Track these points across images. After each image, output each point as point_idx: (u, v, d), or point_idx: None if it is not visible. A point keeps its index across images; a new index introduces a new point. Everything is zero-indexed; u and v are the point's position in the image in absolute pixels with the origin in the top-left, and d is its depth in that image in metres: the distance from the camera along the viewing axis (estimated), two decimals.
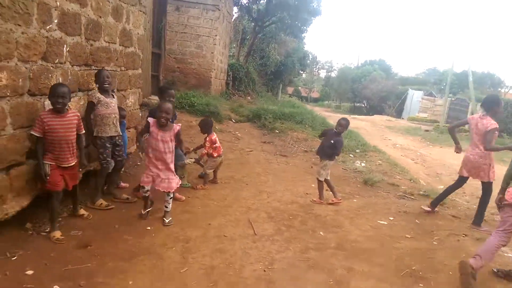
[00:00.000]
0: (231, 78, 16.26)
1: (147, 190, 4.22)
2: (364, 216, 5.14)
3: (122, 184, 5.14)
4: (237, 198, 5.32)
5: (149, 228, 4.05)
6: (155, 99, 9.93)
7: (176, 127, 4.18)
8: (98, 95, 4.30)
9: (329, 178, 5.54)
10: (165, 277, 3.12)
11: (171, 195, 4.25)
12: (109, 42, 4.92)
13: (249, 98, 17.10)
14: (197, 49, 12.63)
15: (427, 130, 18.89)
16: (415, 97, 29.66)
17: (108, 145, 4.41)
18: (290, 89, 57.62)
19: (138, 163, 5.88)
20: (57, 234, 3.54)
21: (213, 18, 12.43)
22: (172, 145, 4.15)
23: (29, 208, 3.64)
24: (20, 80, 3.32)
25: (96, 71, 4.53)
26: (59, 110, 3.51)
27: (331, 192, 5.61)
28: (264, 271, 3.37)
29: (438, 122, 21.38)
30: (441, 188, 6.82)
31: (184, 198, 5.03)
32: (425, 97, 28.87)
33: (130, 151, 5.55)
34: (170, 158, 4.15)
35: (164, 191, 4.18)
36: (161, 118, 4.02)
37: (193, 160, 6.20)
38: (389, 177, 7.59)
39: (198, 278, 3.15)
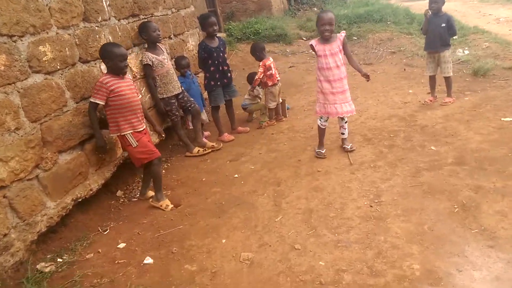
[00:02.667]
0: None
1: (325, 121, 3.91)
2: (483, 115, 4.23)
3: (205, 133, 4.92)
4: None
5: (237, 175, 3.79)
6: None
7: (342, 34, 3.66)
8: (150, 55, 3.97)
9: None
10: (259, 229, 2.83)
11: (346, 119, 3.90)
12: None
13: (315, 9, 15.55)
14: None
15: None
16: None
17: (173, 101, 4.18)
18: None
19: None
20: (165, 203, 3.33)
21: None
22: (342, 56, 3.66)
23: (117, 175, 3.61)
24: (67, 49, 3.08)
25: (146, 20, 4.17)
26: (123, 73, 3.21)
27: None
28: (371, 206, 2.89)
29: None
30: None
31: (248, 129, 4.93)
32: None
33: (205, 97, 5.24)
34: (344, 72, 3.68)
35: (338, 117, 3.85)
36: (325, 31, 3.55)
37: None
38: (503, 60, 6.25)
39: (296, 226, 2.80)
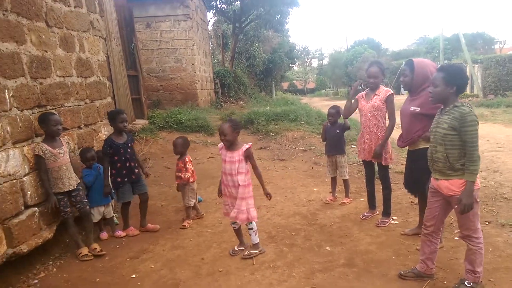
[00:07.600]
0: (219, 86, 15.82)
1: (233, 223, 3.89)
2: (374, 217, 4.64)
3: (101, 234, 4.62)
4: None
5: (134, 276, 3.59)
6: (140, 123, 9.53)
7: (246, 146, 3.69)
8: (44, 147, 3.79)
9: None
10: None
11: (250, 226, 3.80)
12: (63, 76, 4.49)
13: (241, 102, 16.67)
14: (176, 63, 12.20)
15: None
16: None
17: (61, 197, 3.91)
18: (285, 84, 57.37)
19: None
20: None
21: (186, 28, 11.99)
22: (239, 166, 3.63)
23: None
24: None
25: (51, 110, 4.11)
26: None
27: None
28: None
29: None
30: None
31: (158, 227, 4.70)
32: None
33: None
34: (241, 181, 3.64)
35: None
36: (222, 141, 3.72)
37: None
38: (396, 165, 7.07)
39: None
